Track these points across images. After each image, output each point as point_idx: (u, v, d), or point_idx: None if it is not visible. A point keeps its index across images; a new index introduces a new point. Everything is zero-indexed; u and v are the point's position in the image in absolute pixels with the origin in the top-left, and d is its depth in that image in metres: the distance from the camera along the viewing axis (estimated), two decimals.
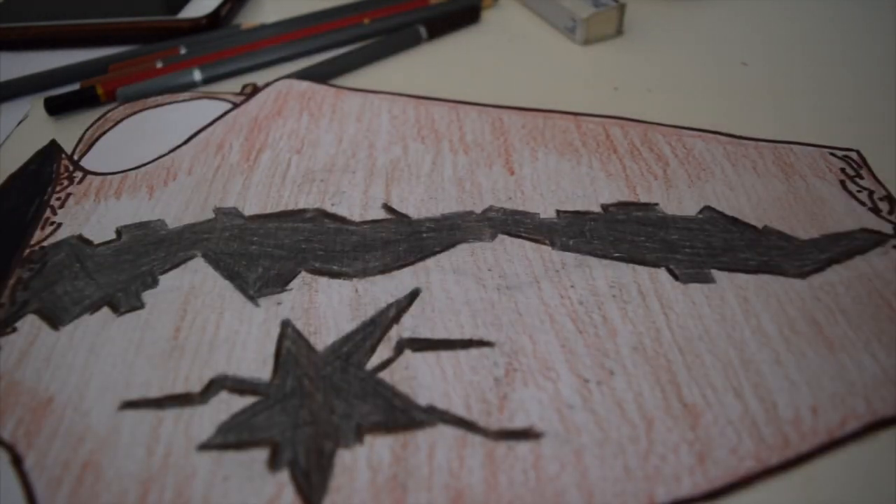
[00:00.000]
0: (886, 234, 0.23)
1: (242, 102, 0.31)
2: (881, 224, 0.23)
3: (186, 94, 0.32)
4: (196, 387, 0.19)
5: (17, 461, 0.18)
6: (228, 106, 0.31)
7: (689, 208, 0.24)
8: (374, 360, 0.19)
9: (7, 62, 0.36)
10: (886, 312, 0.20)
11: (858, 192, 0.24)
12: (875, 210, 0.24)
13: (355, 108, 0.30)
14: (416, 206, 0.25)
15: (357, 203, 0.25)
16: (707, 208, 0.24)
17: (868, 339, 0.19)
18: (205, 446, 0.18)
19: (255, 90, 0.32)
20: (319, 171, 0.27)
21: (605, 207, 0.24)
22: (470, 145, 0.28)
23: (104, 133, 0.30)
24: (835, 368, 0.19)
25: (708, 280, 0.21)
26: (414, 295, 0.21)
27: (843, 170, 0.25)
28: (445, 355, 0.20)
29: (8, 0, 0.41)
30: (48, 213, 0.25)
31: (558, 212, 0.24)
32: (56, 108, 0.31)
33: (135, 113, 0.31)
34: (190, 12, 0.38)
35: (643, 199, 0.25)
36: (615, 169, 0.26)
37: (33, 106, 0.32)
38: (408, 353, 0.20)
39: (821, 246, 0.22)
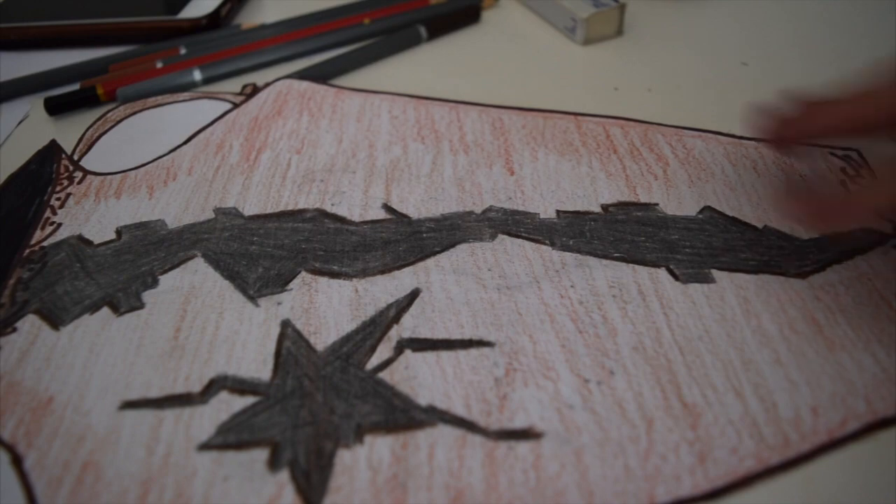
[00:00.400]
0: (886, 233, 0.23)
1: (242, 102, 0.31)
2: (881, 224, 0.23)
3: (186, 94, 0.32)
4: (196, 387, 0.19)
5: (17, 461, 0.18)
6: (228, 106, 0.31)
7: (689, 208, 0.24)
8: (374, 360, 0.19)
9: (7, 62, 0.36)
10: (886, 312, 0.20)
11: None
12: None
13: (355, 108, 0.30)
14: (416, 206, 0.25)
15: (357, 203, 0.25)
16: (707, 208, 0.24)
17: (868, 339, 0.19)
18: (205, 446, 0.18)
19: (255, 90, 0.32)
20: (319, 171, 0.27)
21: (605, 207, 0.24)
22: (470, 145, 0.28)
23: (104, 133, 0.30)
24: (835, 368, 0.19)
25: (708, 280, 0.21)
26: (414, 295, 0.21)
27: (843, 169, 0.25)
28: (445, 355, 0.20)
29: (8, 0, 0.41)
30: (48, 213, 0.25)
31: (558, 212, 0.24)
32: (56, 108, 0.31)
33: (135, 113, 0.31)
34: (190, 12, 0.38)
35: (643, 199, 0.25)
36: (615, 169, 0.26)
37: (33, 106, 0.32)
38: (408, 353, 0.20)
39: (821, 246, 0.22)
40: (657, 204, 0.24)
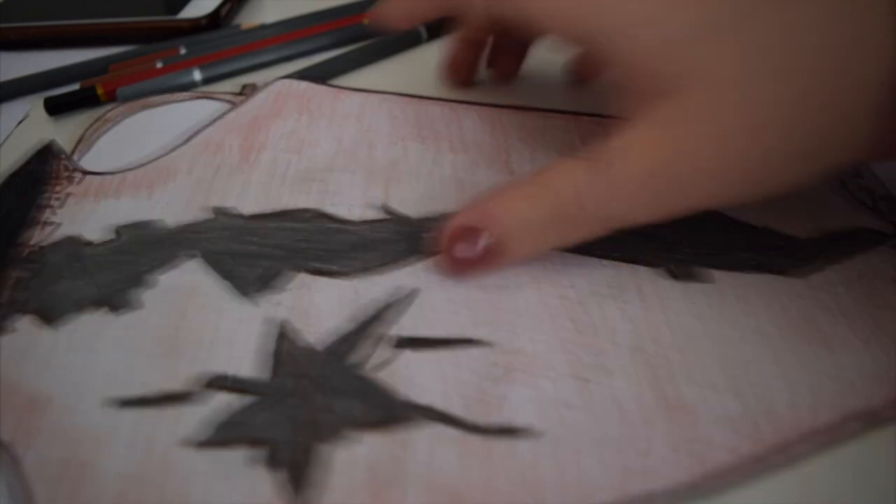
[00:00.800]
0: (886, 233, 0.23)
1: (242, 103, 0.31)
2: (881, 224, 0.23)
3: (186, 94, 0.32)
4: (195, 387, 0.19)
5: (16, 461, 0.18)
6: (228, 106, 0.31)
7: None
8: (374, 360, 0.19)
9: (7, 62, 0.36)
10: (886, 312, 0.20)
11: (859, 191, 0.24)
12: (875, 209, 0.23)
13: (355, 108, 0.30)
14: (416, 206, 0.25)
15: (356, 203, 0.25)
16: None
17: (868, 339, 0.19)
18: (204, 446, 0.18)
19: (255, 90, 0.32)
20: (319, 171, 0.27)
21: None
22: (469, 145, 0.28)
23: (104, 133, 0.30)
24: (835, 368, 0.19)
25: (707, 280, 0.21)
26: (413, 295, 0.21)
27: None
28: (444, 355, 0.20)
29: (8, 0, 0.41)
30: (48, 213, 0.25)
31: None
32: (56, 108, 0.31)
33: (134, 113, 0.31)
34: (190, 12, 0.38)
35: None
36: None
37: (33, 106, 0.32)
38: (407, 353, 0.20)
39: (821, 245, 0.22)
40: None
